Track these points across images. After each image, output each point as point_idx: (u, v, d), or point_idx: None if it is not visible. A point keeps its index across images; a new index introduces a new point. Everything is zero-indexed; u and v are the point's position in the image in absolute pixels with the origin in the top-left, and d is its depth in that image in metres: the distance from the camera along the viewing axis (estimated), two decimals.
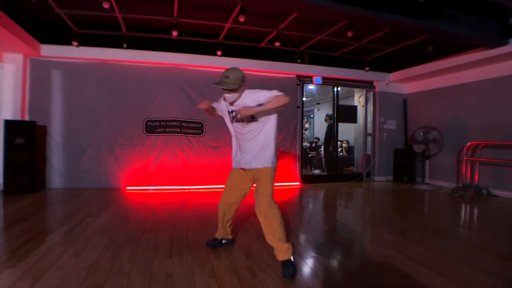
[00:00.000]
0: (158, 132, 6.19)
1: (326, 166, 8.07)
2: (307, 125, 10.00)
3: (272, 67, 6.66)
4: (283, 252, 2.35)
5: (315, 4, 3.71)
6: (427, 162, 6.74)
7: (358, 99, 8.29)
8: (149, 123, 6.15)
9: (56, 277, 2.14)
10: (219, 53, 6.01)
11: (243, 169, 2.58)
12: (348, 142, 8.80)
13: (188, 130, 6.32)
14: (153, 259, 2.52)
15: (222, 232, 2.80)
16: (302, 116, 7.24)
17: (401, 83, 7.70)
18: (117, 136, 6.01)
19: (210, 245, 2.82)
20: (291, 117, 6.90)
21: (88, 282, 2.07)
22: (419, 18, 4.17)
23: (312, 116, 11.89)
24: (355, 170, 8.25)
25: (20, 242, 2.82)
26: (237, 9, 4.39)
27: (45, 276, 2.14)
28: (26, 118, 5.53)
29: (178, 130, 6.27)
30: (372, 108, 7.72)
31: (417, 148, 6.67)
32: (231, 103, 2.50)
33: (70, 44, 5.41)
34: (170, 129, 6.25)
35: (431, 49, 5.60)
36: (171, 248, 2.78)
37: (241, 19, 4.31)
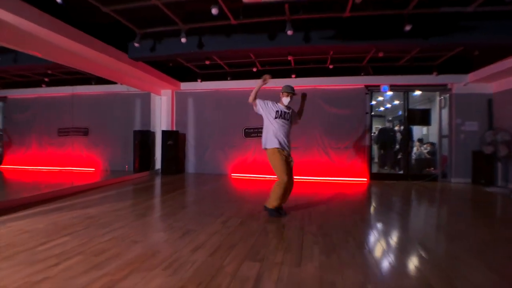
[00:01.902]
0: (253, 136, 8.60)
1: (403, 166, 8.65)
2: (396, 128, 10.45)
3: (341, 81, 8.06)
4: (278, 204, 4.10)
5: (338, 45, 5.22)
6: (499, 164, 6.66)
7: (438, 102, 8.50)
8: (246, 130, 8.63)
9: (184, 199, 4.75)
10: (293, 76, 7.91)
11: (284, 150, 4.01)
12: (432, 144, 8.99)
13: None
14: (220, 201, 4.80)
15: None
16: (371, 120, 8.23)
17: (483, 82, 7.56)
18: (226, 140, 8.74)
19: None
20: (360, 122, 8.06)
21: (195, 203, 4.52)
22: (430, 37, 4.98)
23: None
24: (433, 171, 8.48)
25: (169, 190, 5.80)
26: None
27: (178, 199, 4.73)
28: (174, 128, 8.91)
29: None
30: (448, 110, 7.92)
31: (486, 149, 6.71)
32: (286, 106, 4.08)
33: (196, 80, 8.48)
34: (260, 134, 8.48)
35: (477, 53, 5.85)
36: (235, 198, 5.00)
37: (290, 57, 6.17)
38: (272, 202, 3.97)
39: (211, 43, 5.46)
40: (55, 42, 4.77)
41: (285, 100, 4.07)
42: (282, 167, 3.87)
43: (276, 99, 4.21)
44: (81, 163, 8.99)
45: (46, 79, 8.48)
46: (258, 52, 6.01)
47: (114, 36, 5.59)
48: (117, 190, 5.93)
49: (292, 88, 4.11)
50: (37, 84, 8.89)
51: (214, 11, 3.96)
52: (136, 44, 5.30)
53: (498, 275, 2.32)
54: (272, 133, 3.96)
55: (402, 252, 2.80)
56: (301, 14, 4.55)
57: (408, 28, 4.46)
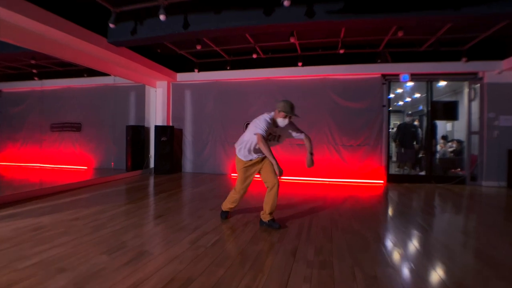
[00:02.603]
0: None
1: (425, 166, 7.66)
2: (416, 123, 9.40)
3: (354, 69, 7.10)
4: (270, 215, 3.43)
5: (349, 20, 4.31)
6: None
7: (467, 93, 7.43)
8: (248, 125, 7.81)
9: (163, 205, 4.02)
10: (300, 64, 7.03)
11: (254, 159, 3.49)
12: (459, 142, 7.92)
13: None
14: (205, 209, 4.05)
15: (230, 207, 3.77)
16: (389, 114, 7.26)
17: None
18: (226, 135, 7.97)
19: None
20: (376, 117, 7.09)
21: (173, 212, 3.79)
22: (462, 8, 4.02)
23: None
24: (460, 173, 7.44)
25: (153, 193, 5.16)
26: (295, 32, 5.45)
27: (157, 205, 4.01)
28: (170, 124, 8.20)
29: None
30: (479, 102, 6.85)
31: None
32: (277, 126, 3.37)
33: (193, 71, 7.72)
34: None
35: None
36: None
37: (292, 39, 5.31)
38: (225, 205, 3.79)
39: (198, 22, 4.66)
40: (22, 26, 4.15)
41: (281, 121, 3.25)
42: (241, 181, 3.56)
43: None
44: (74, 161, 8.44)
45: (34, 71, 7.93)
46: (254, 32, 5.17)
47: (92, 19, 4.92)
48: (94, 192, 5.26)
49: (292, 109, 3.20)
50: (29, 76, 8.39)
51: None
52: (112, 25, 4.56)
53: None
54: (252, 148, 3.41)
55: None
56: None
57: None
